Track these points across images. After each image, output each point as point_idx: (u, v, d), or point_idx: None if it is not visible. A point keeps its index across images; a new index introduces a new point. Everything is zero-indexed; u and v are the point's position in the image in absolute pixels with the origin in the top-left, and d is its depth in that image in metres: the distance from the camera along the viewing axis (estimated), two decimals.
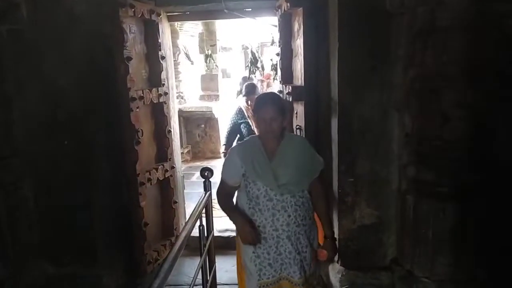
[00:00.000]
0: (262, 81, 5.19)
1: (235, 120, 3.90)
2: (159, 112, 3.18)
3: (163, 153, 3.24)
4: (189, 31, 8.32)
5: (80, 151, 2.72)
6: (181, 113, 7.60)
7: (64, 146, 2.68)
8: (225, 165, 1.95)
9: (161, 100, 3.12)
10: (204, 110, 7.38)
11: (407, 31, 2.25)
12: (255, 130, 3.73)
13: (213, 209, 4.21)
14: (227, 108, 7.79)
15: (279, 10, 2.91)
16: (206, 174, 2.36)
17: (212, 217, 2.45)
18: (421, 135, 2.24)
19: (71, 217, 2.83)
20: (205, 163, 7.70)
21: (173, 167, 3.32)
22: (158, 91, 3.08)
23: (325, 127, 2.65)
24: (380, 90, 2.35)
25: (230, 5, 3.26)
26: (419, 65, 2.20)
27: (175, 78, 7.83)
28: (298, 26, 2.71)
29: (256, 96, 4.24)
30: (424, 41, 2.17)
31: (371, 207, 2.51)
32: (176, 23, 8.40)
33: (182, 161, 7.58)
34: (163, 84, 3.16)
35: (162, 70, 3.14)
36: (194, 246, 2.99)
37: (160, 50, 3.11)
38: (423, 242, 2.27)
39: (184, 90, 7.92)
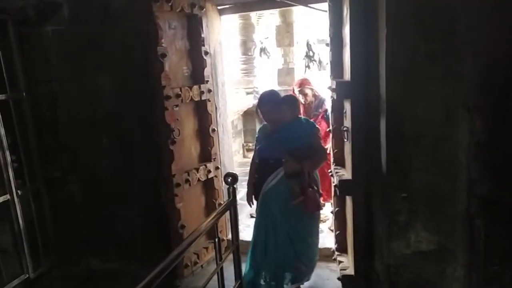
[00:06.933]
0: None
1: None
2: (202, 110, 3.04)
3: (207, 153, 3.10)
4: (269, 24, 8.13)
5: (118, 150, 2.73)
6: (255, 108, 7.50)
7: (103, 144, 2.70)
8: None
9: (203, 97, 2.97)
10: None
11: (480, 5, 1.71)
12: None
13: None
14: None
15: None
16: (229, 180, 2.12)
17: (237, 225, 2.21)
18: (494, 144, 1.70)
19: (112, 214, 2.87)
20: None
21: (217, 168, 3.16)
22: (200, 88, 2.93)
23: (375, 130, 2.21)
24: (442, 84, 1.84)
25: None
26: (493, 51, 1.67)
27: (250, 72, 7.80)
28: (346, 11, 2.30)
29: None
30: (501, 18, 1.63)
31: (429, 231, 2.02)
32: (255, 15, 8.28)
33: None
34: (207, 81, 3.01)
35: (206, 67, 2.99)
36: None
37: (204, 46, 2.95)
38: (496, 283, 1.74)
39: (259, 85, 7.78)
